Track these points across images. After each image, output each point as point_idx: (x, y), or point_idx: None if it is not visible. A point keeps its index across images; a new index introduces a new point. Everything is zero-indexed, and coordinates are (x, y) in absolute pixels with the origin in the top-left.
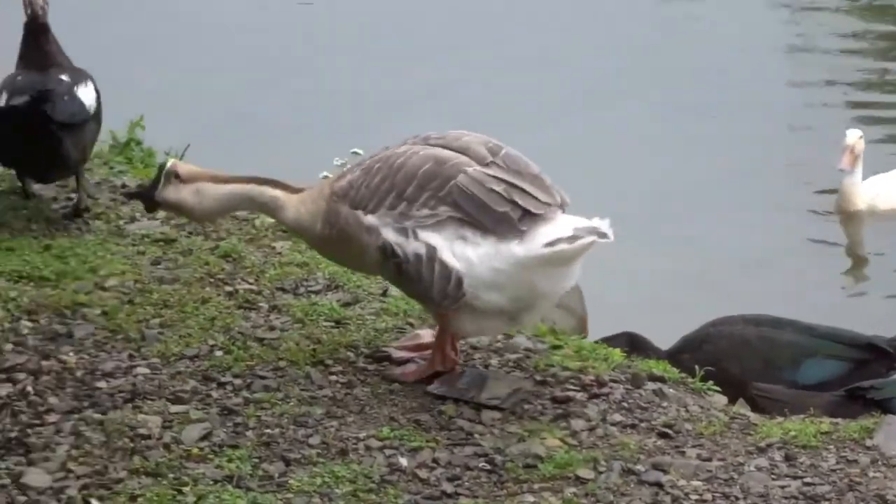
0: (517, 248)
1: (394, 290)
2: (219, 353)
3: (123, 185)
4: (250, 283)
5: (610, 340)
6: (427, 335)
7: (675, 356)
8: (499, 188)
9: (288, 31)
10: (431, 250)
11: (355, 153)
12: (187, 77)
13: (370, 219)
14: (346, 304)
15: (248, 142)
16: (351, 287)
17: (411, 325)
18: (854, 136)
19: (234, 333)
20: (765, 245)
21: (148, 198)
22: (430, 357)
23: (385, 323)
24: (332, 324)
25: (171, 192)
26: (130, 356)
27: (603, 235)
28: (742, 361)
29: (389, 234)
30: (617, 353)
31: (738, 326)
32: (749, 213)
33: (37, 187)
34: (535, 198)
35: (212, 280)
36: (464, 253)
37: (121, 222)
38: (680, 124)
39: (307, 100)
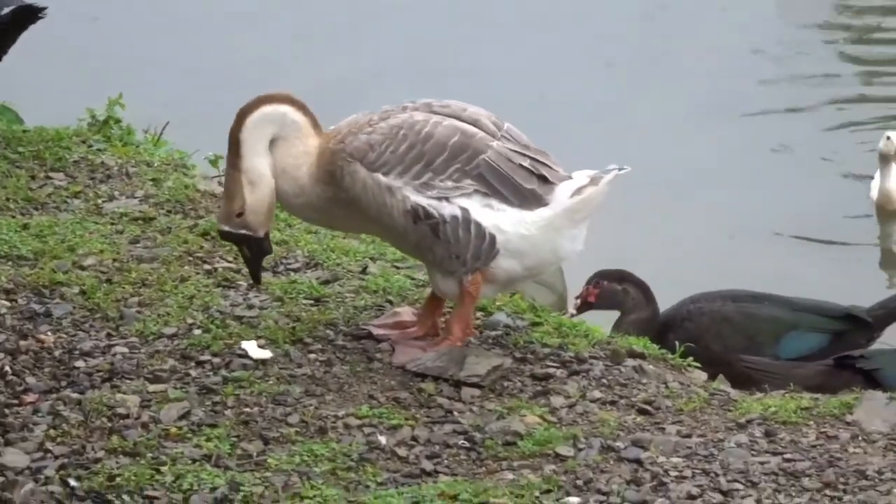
0: (544, 212)
1: (373, 268)
2: (197, 332)
3: (102, 164)
4: (229, 262)
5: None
6: (406, 313)
7: (659, 334)
8: (525, 163)
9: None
10: (466, 212)
11: None
12: (167, 54)
13: (392, 181)
14: (325, 282)
15: (224, 119)
16: (330, 265)
17: (390, 302)
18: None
19: (212, 312)
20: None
21: (260, 251)
22: (447, 334)
23: (364, 301)
24: (311, 302)
25: (251, 219)
26: (108, 335)
27: (620, 168)
28: (724, 338)
29: (418, 198)
30: (597, 330)
31: (718, 303)
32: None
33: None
34: (555, 170)
35: (190, 258)
36: (491, 219)
37: (99, 201)
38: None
39: (286, 75)
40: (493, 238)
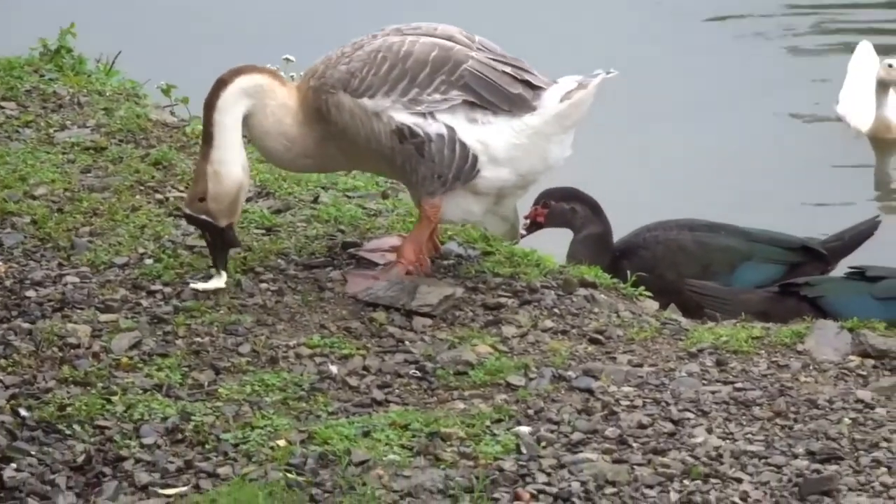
0: (533, 119)
1: (324, 197)
2: (149, 262)
3: (54, 93)
4: (181, 191)
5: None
6: (395, 239)
7: (615, 260)
8: (507, 69)
9: None
10: (451, 131)
11: (287, 59)
12: None
13: (379, 103)
14: (277, 212)
15: (177, 48)
16: (282, 194)
17: (342, 231)
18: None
19: (164, 241)
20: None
21: (222, 242)
22: (399, 256)
23: (316, 230)
24: (263, 231)
25: (211, 207)
26: (60, 265)
27: (608, 72)
28: (679, 267)
29: (404, 117)
30: (549, 259)
31: (673, 232)
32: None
33: None
34: (537, 75)
35: (142, 188)
36: (477, 134)
37: (51, 130)
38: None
39: (237, 6)
40: (475, 158)
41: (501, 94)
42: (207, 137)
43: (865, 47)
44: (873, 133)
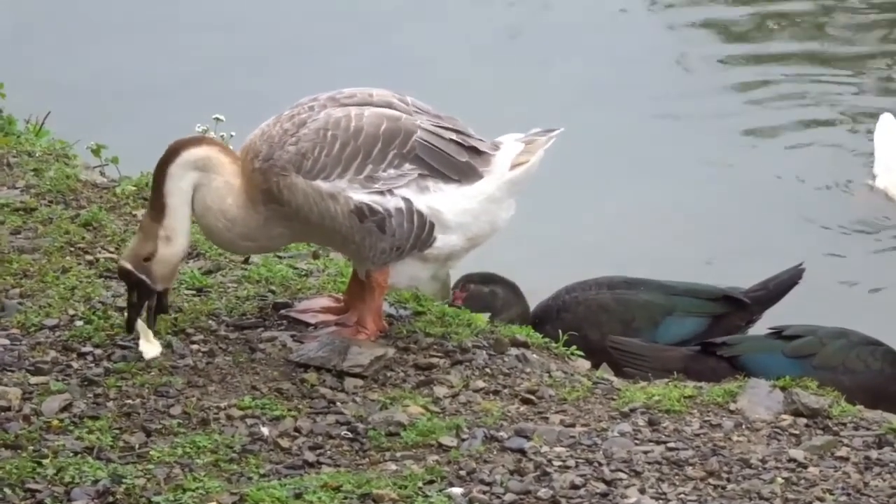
0: (483, 186)
1: (255, 258)
2: (79, 323)
3: None
4: (111, 252)
5: (487, 281)
6: (327, 300)
7: (535, 326)
8: (453, 136)
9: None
10: (408, 202)
11: (217, 119)
12: (48, 44)
13: (335, 185)
14: (208, 272)
15: (105, 109)
16: (212, 255)
17: (273, 292)
18: None
19: (94, 303)
20: None
21: (158, 302)
22: (361, 329)
23: (247, 291)
24: (194, 292)
25: (155, 269)
26: None
27: (553, 130)
28: (602, 327)
29: (362, 197)
30: (480, 318)
31: (592, 291)
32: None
33: None
34: (481, 139)
35: (72, 249)
36: (430, 202)
37: None
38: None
39: (163, 64)
40: (431, 226)
41: (451, 164)
42: (159, 204)
43: (888, 118)
44: None
